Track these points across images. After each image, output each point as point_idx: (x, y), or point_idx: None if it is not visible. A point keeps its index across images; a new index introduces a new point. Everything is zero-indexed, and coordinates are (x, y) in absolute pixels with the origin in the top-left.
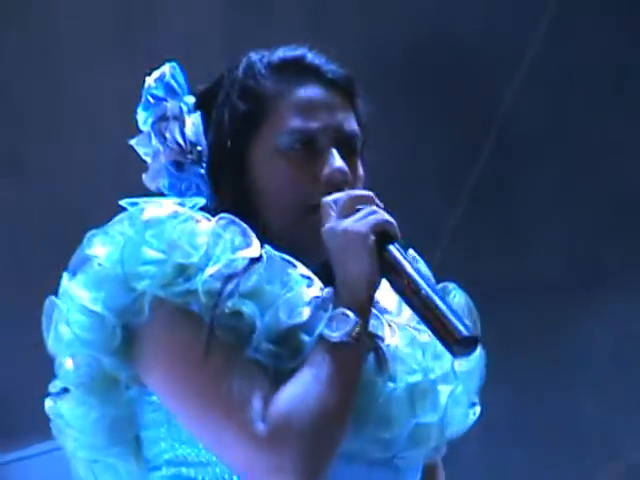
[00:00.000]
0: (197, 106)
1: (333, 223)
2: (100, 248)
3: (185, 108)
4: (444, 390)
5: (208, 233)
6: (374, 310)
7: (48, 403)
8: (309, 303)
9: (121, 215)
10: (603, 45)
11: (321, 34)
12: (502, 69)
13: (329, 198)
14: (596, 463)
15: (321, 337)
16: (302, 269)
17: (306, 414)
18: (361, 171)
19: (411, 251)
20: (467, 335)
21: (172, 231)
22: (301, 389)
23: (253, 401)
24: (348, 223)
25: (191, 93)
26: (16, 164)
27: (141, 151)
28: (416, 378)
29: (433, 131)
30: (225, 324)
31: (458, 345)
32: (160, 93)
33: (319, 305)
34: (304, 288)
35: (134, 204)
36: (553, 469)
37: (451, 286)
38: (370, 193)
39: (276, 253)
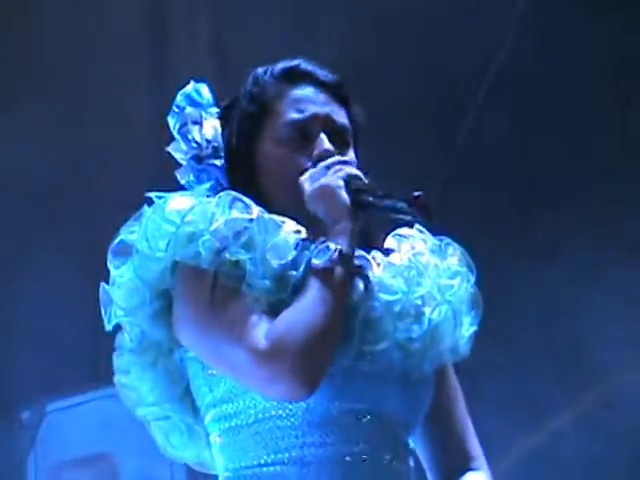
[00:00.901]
0: (220, 115)
1: (314, 183)
2: (133, 234)
3: (205, 115)
4: (429, 309)
5: (212, 206)
6: (362, 252)
7: (114, 362)
8: (295, 246)
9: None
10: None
11: (299, 37)
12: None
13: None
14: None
15: (311, 268)
16: (291, 225)
17: (300, 331)
18: (353, 157)
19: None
20: (416, 195)
21: (184, 210)
22: (295, 312)
23: (254, 327)
24: (324, 179)
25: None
26: None
27: (176, 156)
28: (395, 297)
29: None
30: (226, 271)
31: (417, 208)
32: (183, 104)
33: (303, 246)
34: (290, 235)
35: (159, 197)
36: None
37: (446, 240)
38: (341, 158)
39: (268, 215)
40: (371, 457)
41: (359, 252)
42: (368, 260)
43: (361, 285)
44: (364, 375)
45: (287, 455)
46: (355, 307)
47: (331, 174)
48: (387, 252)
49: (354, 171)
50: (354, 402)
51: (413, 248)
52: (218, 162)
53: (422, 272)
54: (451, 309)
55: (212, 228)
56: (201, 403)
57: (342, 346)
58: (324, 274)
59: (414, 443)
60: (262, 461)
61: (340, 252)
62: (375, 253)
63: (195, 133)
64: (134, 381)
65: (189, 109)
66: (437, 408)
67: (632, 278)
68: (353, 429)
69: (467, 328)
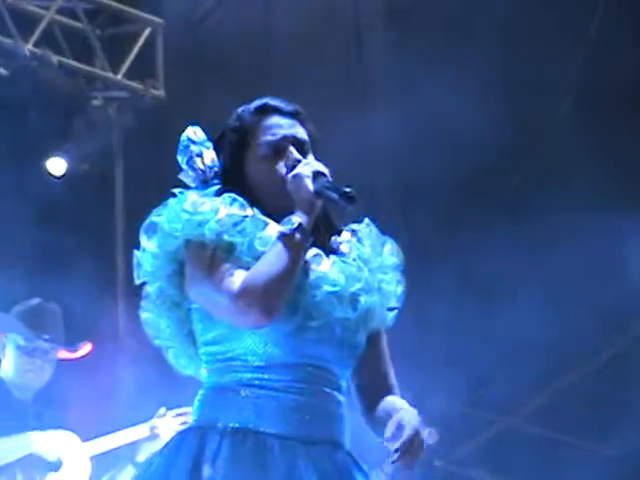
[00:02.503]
0: (214, 147)
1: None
2: (160, 216)
3: (204, 148)
4: (363, 298)
5: (218, 202)
6: (318, 250)
7: (142, 305)
8: (277, 237)
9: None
10: None
11: None
12: None
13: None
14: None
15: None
16: (275, 226)
17: (262, 277)
18: (314, 160)
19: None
20: (347, 190)
21: (197, 203)
22: (260, 264)
23: (234, 279)
24: (295, 170)
25: (210, 139)
26: None
27: (186, 181)
28: (334, 289)
29: None
30: (223, 248)
31: (346, 197)
32: (185, 143)
33: (279, 237)
34: (274, 233)
35: (180, 192)
36: None
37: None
38: (308, 160)
39: (261, 216)
40: (308, 392)
41: (317, 251)
42: (322, 256)
43: (311, 276)
44: (311, 341)
45: (252, 381)
46: (302, 292)
47: (302, 166)
48: (339, 244)
49: (320, 168)
50: (302, 358)
51: (359, 241)
52: (218, 183)
53: (362, 268)
54: (381, 296)
55: (216, 218)
56: (198, 341)
57: (287, 315)
58: (284, 238)
59: (350, 381)
60: (233, 383)
61: (299, 224)
62: (333, 246)
63: (199, 164)
64: (154, 321)
65: (192, 146)
66: (369, 357)
67: None
68: (300, 374)
69: (392, 306)
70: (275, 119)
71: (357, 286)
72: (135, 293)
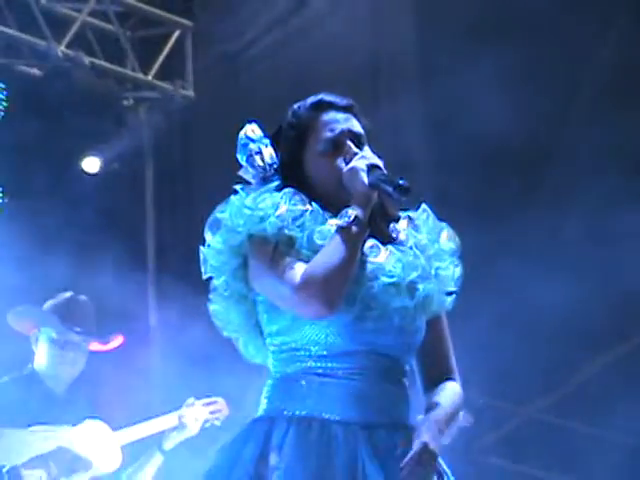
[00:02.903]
0: (271, 143)
1: (345, 167)
2: (223, 213)
3: (262, 145)
4: (421, 286)
5: (278, 197)
6: (375, 241)
7: (210, 299)
8: (335, 230)
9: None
10: None
11: None
12: None
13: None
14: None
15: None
16: (334, 220)
17: (320, 269)
18: (370, 153)
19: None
20: (401, 183)
21: (258, 199)
22: (319, 257)
23: (295, 272)
24: (350, 164)
25: (267, 136)
26: None
27: (246, 178)
28: (391, 280)
29: None
30: (283, 242)
31: (400, 190)
32: (244, 141)
33: (337, 230)
34: (332, 227)
35: (242, 189)
36: None
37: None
38: (364, 153)
39: (318, 209)
40: (369, 378)
41: (374, 242)
42: (379, 247)
43: (368, 267)
44: (370, 330)
45: (317, 370)
46: (359, 284)
47: (357, 159)
48: (397, 232)
49: (375, 160)
50: (363, 345)
51: (415, 228)
52: (277, 179)
53: (418, 256)
54: (438, 282)
55: (277, 213)
56: (264, 332)
57: (345, 306)
58: (342, 231)
59: (413, 365)
60: (299, 372)
61: (356, 217)
62: (391, 235)
63: (259, 161)
64: (222, 313)
65: (250, 144)
66: (429, 340)
67: None
68: (361, 361)
69: (450, 291)
70: (331, 114)
71: (414, 275)
72: (165, 285)
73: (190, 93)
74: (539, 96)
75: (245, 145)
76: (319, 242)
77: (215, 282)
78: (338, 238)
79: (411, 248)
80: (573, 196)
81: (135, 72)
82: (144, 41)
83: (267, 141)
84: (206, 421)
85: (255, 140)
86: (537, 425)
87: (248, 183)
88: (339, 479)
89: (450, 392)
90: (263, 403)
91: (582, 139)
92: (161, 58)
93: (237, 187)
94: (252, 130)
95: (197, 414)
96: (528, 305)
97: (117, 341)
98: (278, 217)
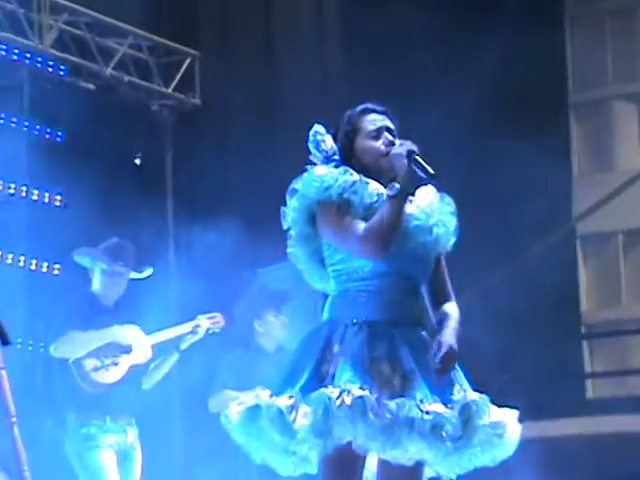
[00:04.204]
0: (332, 135)
1: (392, 152)
2: (298, 184)
3: (326, 137)
4: (435, 229)
5: (337, 173)
6: (410, 197)
7: (288, 250)
8: (377, 194)
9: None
10: None
11: None
12: None
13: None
14: None
15: (385, 198)
16: (374, 184)
17: (377, 225)
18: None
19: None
20: (431, 172)
21: (323, 174)
22: (376, 218)
23: (357, 227)
24: (395, 150)
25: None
26: None
27: (314, 160)
28: (419, 222)
29: None
30: (344, 204)
31: (428, 174)
32: (315, 135)
33: (380, 195)
34: (374, 189)
35: (311, 167)
36: None
37: (446, 199)
38: (402, 142)
39: (364, 178)
40: (400, 292)
41: (409, 197)
42: (411, 201)
43: (406, 212)
44: (403, 258)
45: (364, 286)
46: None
47: (399, 146)
48: (419, 194)
49: (413, 147)
50: (397, 269)
51: (427, 194)
52: (337, 157)
53: (433, 209)
54: (445, 228)
55: (337, 184)
56: (327, 263)
57: (398, 242)
58: (391, 199)
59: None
60: (353, 289)
61: (400, 189)
62: (416, 196)
63: (324, 146)
64: (296, 253)
65: (318, 136)
66: (435, 272)
67: None
68: (395, 281)
69: (451, 237)
70: (373, 115)
71: (431, 220)
72: (181, 235)
73: (197, 101)
74: None
75: (314, 136)
76: (368, 201)
77: (292, 232)
78: (389, 204)
79: (427, 205)
80: None
81: (159, 86)
82: (166, 65)
83: (329, 136)
84: (209, 329)
85: (322, 134)
86: None
87: (314, 165)
88: (385, 361)
89: (453, 308)
90: (326, 312)
91: None
92: (178, 76)
93: (308, 167)
94: (319, 128)
95: (203, 324)
96: None
97: (148, 272)
98: (339, 186)
